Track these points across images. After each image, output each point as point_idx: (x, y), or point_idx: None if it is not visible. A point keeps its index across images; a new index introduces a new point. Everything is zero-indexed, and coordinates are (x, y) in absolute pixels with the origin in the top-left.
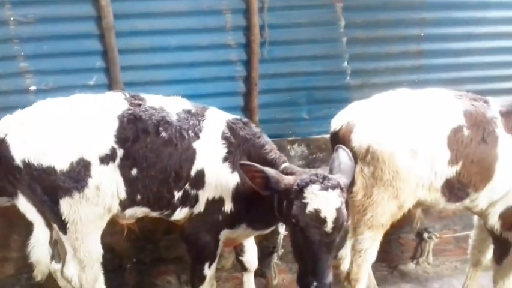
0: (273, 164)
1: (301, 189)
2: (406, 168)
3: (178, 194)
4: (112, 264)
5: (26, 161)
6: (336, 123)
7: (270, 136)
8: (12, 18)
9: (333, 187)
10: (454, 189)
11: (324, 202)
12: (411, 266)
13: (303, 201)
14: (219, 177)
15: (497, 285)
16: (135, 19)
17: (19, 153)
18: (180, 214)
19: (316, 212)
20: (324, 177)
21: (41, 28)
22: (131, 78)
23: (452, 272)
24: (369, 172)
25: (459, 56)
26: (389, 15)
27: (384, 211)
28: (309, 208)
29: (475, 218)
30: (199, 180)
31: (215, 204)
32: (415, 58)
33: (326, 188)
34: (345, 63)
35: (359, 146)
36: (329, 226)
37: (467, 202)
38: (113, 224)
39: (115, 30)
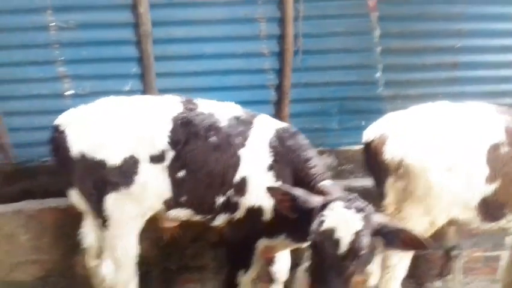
0: (312, 179)
1: (324, 206)
2: (440, 184)
3: (221, 199)
4: (138, 271)
5: (81, 152)
6: (369, 134)
7: None
8: (53, 24)
9: (358, 209)
10: (490, 208)
11: (342, 221)
12: (438, 284)
13: (322, 218)
14: (262, 186)
15: None
16: (172, 26)
17: (76, 145)
18: (221, 220)
19: (332, 230)
20: (354, 199)
21: (80, 34)
22: (166, 85)
23: None
24: (402, 186)
25: (496, 68)
26: (424, 26)
27: (414, 226)
28: (325, 225)
29: (509, 238)
30: (241, 187)
31: (255, 212)
32: (451, 70)
33: (348, 207)
34: (378, 74)
35: (391, 159)
36: (342, 248)
37: (503, 222)
38: (142, 231)
39: (152, 37)
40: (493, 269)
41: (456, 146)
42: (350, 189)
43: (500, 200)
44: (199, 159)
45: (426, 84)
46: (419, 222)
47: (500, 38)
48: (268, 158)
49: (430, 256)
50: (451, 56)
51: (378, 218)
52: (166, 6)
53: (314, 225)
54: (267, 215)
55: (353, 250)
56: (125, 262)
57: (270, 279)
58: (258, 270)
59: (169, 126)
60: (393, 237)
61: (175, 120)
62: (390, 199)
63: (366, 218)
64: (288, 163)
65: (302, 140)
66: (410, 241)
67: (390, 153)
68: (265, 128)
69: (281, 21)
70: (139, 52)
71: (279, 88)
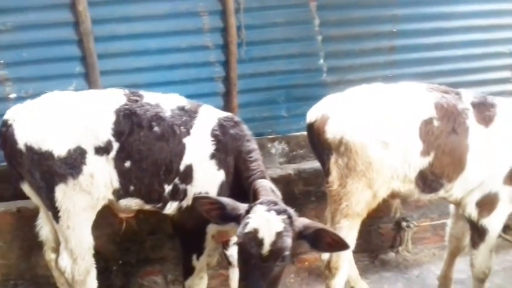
0: (251, 175)
1: (248, 210)
2: (378, 159)
3: (168, 188)
4: (97, 267)
5: (28, 144)
6: (312, 115)
7: None
8: None
9: (279, 212)
10: (428, 180)
11: (264, 223)
12: (391, 254)
13: (246, 220)
14: (206, 173)
15: (474, 268)
16: (113, 23)
17: (22, 137)
18: (171, 208)
19: (255, 231)
20: (275, 203)
21: (19, 36)
22: (111, 82)
23: (431, 259)
24: (343, 163)
25: (431, 50)
26: (361, 13)
27: (358, 200)
28: (249, 226)
29: (451, 206)
30: (187, 175)
31: None
32: (388, 54)
33: (269, 210)
34: (321, 61)
35: (332, 138)
36: (265, 248)
37: (441, 193)
38: (97, 227)
39: (94, 35)
40: (441, 237)
41: (390, 123)
42: (301, 172)
43: (435, 172)
44: (143, 149)
45: (366, 69)
46: (362, 195)
47: (433, 21)
48: (210, 147)
49: (382, 229)
50: (387, 41)
51: (301, 221)
52: (106, 3)
53: (239, 228)
54: None
55: (276, 250)
56: (81, 253)
57: (229, 263)
58: (217, 256)
59: (112, 118)
60: (316, 239)
61: (118, 111)
62: (334, 176)
63: (288, 220)
64: (230, 152)
65: (245, 130)
66: (333, 241)
67: (331, 132)
68: (209, 117)
69: (223, 14)
70: (82, 51)
71: (227, 80)
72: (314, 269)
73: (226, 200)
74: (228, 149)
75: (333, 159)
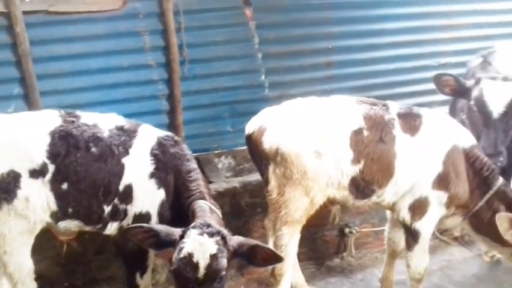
0: (189, 196)
1: (182, 235)
2: (313, 168)
3: (107, 208)
4: None
5: None
6: (250, 127)
7: (196, 151)
8: None
9: (212, 234)
10: (360, 186)
11: (198, 246)
12: (336, 260)
13: (181, 245)
14: (146, 193)
15: (410, 269)
16: (52, 44)
17: None
18: (112, 228)
19: (190, 255)
20: (208, 225)
21: None
22: (52, 103)
23: (373, 263)
24: (281, 172)
25: (365, 65)
26: (298, 31)
27: (297, 207)
28: (183, 251)
29: (389, 211)
30: (127, 195)
31: (142, 218)
32: (326, 69)
33: (203, 234)
34: (263, 77)
35: (269, 148)
36: (200, 272)
37: (374, 198)
38: (40, 250)
39: (32, 56)
40: (382, 241)
41: (323, 134)
42: (246, 184)
43: (366, 179)
44: (81, 171)
45: (306, 84)
46: (300, 203)
47: (366, 38)
48: (150, 166)
49: (327, 237)
50: (324, 57)
51: (235, 240)
52: (43, 24)
53: (175, 254)
54: (154, 219)
55: (211, 273)
56: (20, 278)
57: None
58: (165, 273)
59: (47, 139)
60: (252, 255)
61: (53, 133)
62: (272, 185)
63: (221, 241)
64: (170, 171)
65: (185, 149)
66: (268, 256)
67: (268, 143)
68: (148, 136)
69: (164, 33)
70: (20, 72)
71: (171, 97)
72: (263, 279)
73: (160, 227)
74: (168, 168)
75: (271, 169)
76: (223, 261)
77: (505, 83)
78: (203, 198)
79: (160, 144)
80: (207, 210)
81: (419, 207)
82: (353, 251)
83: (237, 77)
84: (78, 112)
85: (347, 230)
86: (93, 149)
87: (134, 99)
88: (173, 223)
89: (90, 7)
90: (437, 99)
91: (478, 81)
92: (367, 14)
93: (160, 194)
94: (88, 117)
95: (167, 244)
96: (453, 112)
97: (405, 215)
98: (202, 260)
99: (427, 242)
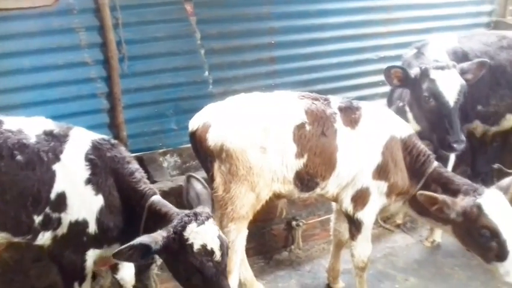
0: (143, 195)
1: (180, 234)
2: (258, 163)
3: (38, 218)
4: None
5: None
6: (193, 124)
7: (140, 150)
8: None
9: (207, 218)
10: (304, 180)
11: (206, 235)
12: (285, 254)
13: (188, 243)
14: (82, 200)
15: (354, 258)
16: None
17: None
18: (43, 238)
19: (204, 247)
20: (195, 214)
21: None
22: None
23: (321, 253)
24: (226, 169)
25: (308, 59)
26: (240, 26)
27: (243, 204)
28: (196, 246)
29: (334, 203)
30: (60, 203)
31: (79, 226)
32: (269, 64)
33: (202, 223)
34: (206, 73)
35: (214, 145)
36: (217, 255)
37: (318, 190)
38: None
39: None
40: (329, 232)
41: (267, 129)
42: None
43: (310, 172)
44: (6, 180)
45: (250, 79)
46: (246, 199)
47: (307, 32)
48: (85, 172)
49: (275, 230)
50: (267, 52)
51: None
52: None
53: (188, 255)
54: (93, 227)
55: (224, 250)
56: None
57: (119, 286)
58: (109, 278)
59: None
60: None
61: None
62: (218, 182)
63: (214, 220)
64: (109, 175)
65: (124, 151)
66: None
67: (212, 140)
68: (81, 140)
69: (101, 29)
70: None
71: (110, 96)
72: None
73: (140, 239)
74: (106, 173)
75: (216, 165)
76: (224, 236)
77: (451, 70)
78: (155, 193)
79: (95, 148)
80: (167, 203)
81: (360, 198)
82: (300, 244)
83: (180, 74)
84: (1, 117)
85: (294, 223)
86: (18, 157)
87: (72, 99)
88: (121, 228)
89: (20, 3)
90: (379, 92)
91: (425, 72)
92: (308, 8)
93: (98, 201)
94: (12, 123)
95: (157, 250)
96: (390, 101)
97: (347, 205)
98: (215, 245)
99: (369, 231)
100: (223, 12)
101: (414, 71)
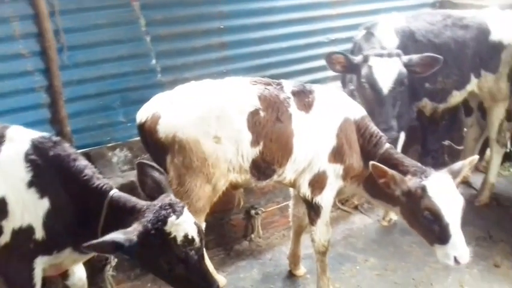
0: (99, 193)
1: (160, 230)
2: (213, 154)
3: None
4: None
5: None
6: (141, 116)
7: (87, 145)
8: None
9: (183, 208)
10: (261, 168)
11: (186, 225)
12: (245, 243)
13: (170, 237)
14: (25, 205)
15: (315, 243)
16: None
17: None
18: None
19: (186, 237)
20: (170, 205)
21: None
22: None
23: (281, 240)
24: (179, 161)
25: (258, 44)
26: (187, 11)
27: (199, 197)
28: (179, 239)
29: (291, 189)
30: (0, 210)
31: (24, 233)
32: (219, 50)
33: (180, 213)
34: (154, 61)
35: (165, 137)
36: (197, 241)
37: (275, 177)
38: None
39: None
40: (288, 218)
41: (220, 118)
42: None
43: (267, 159)
44: None
45: (200, 66)
46: (202, 191)
47: (257, 16)
48: (26, 174)
49: (233, 221)
50: (217, 37)
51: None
52: None
53: (172, 251)
54: (40, 232)
55: (201, 234)
56: None
57: None
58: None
59: None
60: None
61: None
62: (172, 175)
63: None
64: (54, 176)
65: (68, 148)
66: None
67: (163, 132)
68: (19, 140)
69: (36, 18)
70: None
71: (50, 89)
72: None
73: (113, 236)
74: (51, 174)
75: (168, 158)
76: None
77: (391, 59)
78: (111, 188)
79: (36, 148)
80: (130, 196)
81: (317, 182)
82: (260, 232)
83: (125, 63)
84: None
85: (253, 211)
86: None
87: (8, 94)
88: (72, 230)
89: None
90: (330, 75)
91: (366, 59)
92: None
93: (44, 204)
94: None
95: (132, 246)
96: (343, 84)
97: (305, 190)
98: (194, 231)
99: (328, 214)
100: None
101: (357, 58)
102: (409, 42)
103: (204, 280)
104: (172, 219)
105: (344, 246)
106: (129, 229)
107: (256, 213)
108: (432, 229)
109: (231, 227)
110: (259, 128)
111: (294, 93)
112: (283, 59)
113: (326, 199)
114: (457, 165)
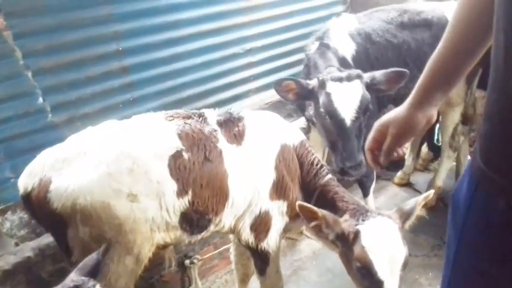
0: None
1: None
2: (129, 217)
3: None
4: None
5: None
6: (25, 183)
7: None
8: None
9: None
10: (194, 221)
11: None
12: None
13: None
14: None
15: None
16: None
17: None
18: None
19: None
20: None
21: None
22: None
23: None
24: (86, 234)
25: (167, 63)
26: (74, 35)
27: (119, 274)
28: None
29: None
30: None
31: None
32: (121, 76)
33: None
34: (41, 100)
35: (62, 206)
36: None
37: (212, 228)
38: None
39: None
40: (228, 260)
41: (132, 170)
42: (43, 249)
43: (199, 210)
44: None
45: (100, 97)
46: (121, 266)
47: (161, 32)
48: None
49: (165, 277)
50: (117, 61)
51: None
52: None
53: None
54: None
55: None
56: None
57: None
58: None
59: None
60: None
61: None
62: (78, 254)
63: None
64: None
65: None
66: None
67: (58, 201)
68: None
69: None
70: None
71: None
72: None
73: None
74: None
75: (71, 233)
76: None
77: (351, 83)
78: None
79: None
80: None
81: (261, 224)
82: (199, 284)
83: (6, 106)
84: None
85: (187, 261)
86: None
87: None
88: None
89: None
90: (252, 87)
91: (323, 84)
92: (156, 4)
93: None
94: None
95: None
96: (300, 108)
97: (248, 236)
98: None
99: (278, 259)
100: (46, 21)
101: (312, 82)
102: (367, 45)
103: None
104: None
105: (296, 283)
106: None
107: (192, 263)
108: (365, 284)
109: (163, 284)
110: (184, 174)
111: (221, 124)
112: (199, 77)
113: (273, 243)
114: (408, 204)
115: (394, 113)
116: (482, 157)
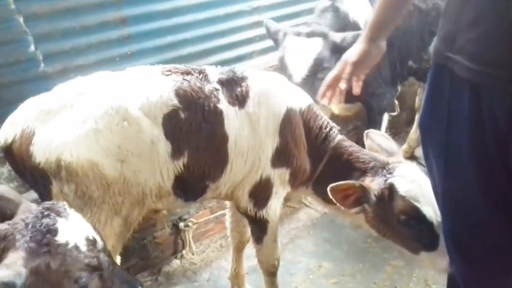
0: None
1: None
2: (118, 177)
3: None
4: None
5: None
6: (7, 133)
7: None
8: None
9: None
10: (189, 186)
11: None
12: (176, 263)
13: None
14: None
15: (262, 264)
16: None
17: None
18: None
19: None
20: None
21: None
22: None
23: (219, 253)
24: (71, 191)
25: (168, 17)
26: None
27: (105, 236)
28: None
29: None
30: None
31: None
32: (119, 27)
33: None
34: (32, 47)
35: (45, 161)
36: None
37: (209, 194)
38: None
39: None
40: (224, 225)
41: (123, 126)
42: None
43: (195, 175)
44: None
45: (96, 48)
46: (109, 228)
47: None
48: None
49: (159, 238)
50: (115, 11)
51: None
52: None
53: None
54: None
55: None
56: None
57: None
58: None
59: None
60: None
61: None
62: None
63: None
64: None
65: None
66: None
67: (41, 155)
68: None
69: None
70: None
71: None
72: None
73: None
74: None
75: (54, 189)
76: None
77: (310, 39)
78: None
79: None
80: None
81: (261, 192)
82: (193, 247)
83: None
84: None
85: (181, 224)
86: None
87: None
88: None
89: None
90: (257, 48)
91: (283, 37)
92: None
93: None
94: None
95: None
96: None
97: (246, 204)
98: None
99: (276, 229)
100: None
101: (280, 34)
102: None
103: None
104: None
105: (292, 251)
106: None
107: (186, 226)
108: (414, 235)
109: (156, 246)
110: (180, 135)
111: (223, 83)
112: (201, 34)
113: (272, 211)
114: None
115: (351, 49)
116: (475, 61)
